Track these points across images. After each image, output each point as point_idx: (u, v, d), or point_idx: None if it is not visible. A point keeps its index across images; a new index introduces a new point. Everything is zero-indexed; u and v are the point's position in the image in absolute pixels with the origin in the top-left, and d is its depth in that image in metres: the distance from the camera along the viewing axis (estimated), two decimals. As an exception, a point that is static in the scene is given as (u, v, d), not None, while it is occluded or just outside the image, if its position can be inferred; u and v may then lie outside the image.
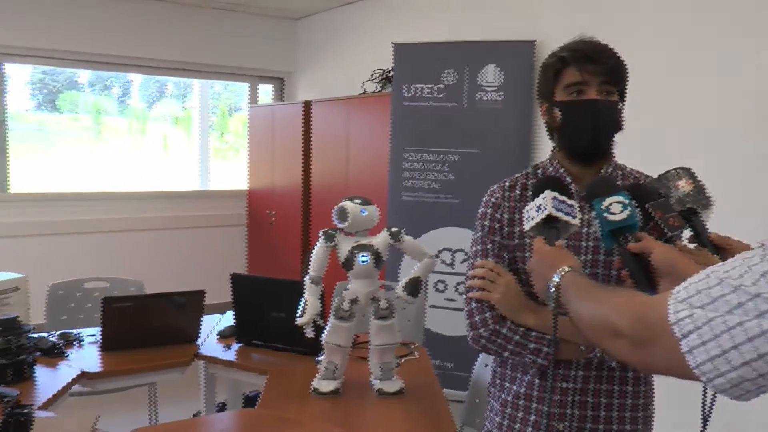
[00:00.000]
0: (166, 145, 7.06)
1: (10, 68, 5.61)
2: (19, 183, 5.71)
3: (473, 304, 1.64)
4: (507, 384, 1.69)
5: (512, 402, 1.66)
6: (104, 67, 6.03)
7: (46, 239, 5.61)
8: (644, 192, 1.48)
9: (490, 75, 4.03)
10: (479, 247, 1.70)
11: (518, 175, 1.75)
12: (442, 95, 4.14)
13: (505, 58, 4.03)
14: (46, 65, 5.95)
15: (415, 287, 2.10)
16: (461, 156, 4.11)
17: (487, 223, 1.70)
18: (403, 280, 2.11)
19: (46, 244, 5.61)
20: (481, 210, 1.72)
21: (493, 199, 1.71)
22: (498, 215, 1.69)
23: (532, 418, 1.62)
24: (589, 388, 1.58)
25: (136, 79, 6.76)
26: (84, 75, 6.45)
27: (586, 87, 1.57)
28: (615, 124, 1.60)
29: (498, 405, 1.70)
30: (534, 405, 1.62)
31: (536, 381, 1.62)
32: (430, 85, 4.17)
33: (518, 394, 1.65)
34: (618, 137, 1.64)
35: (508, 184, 1.73)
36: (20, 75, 6.05)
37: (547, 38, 3.88)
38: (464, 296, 1.69)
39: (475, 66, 4.07)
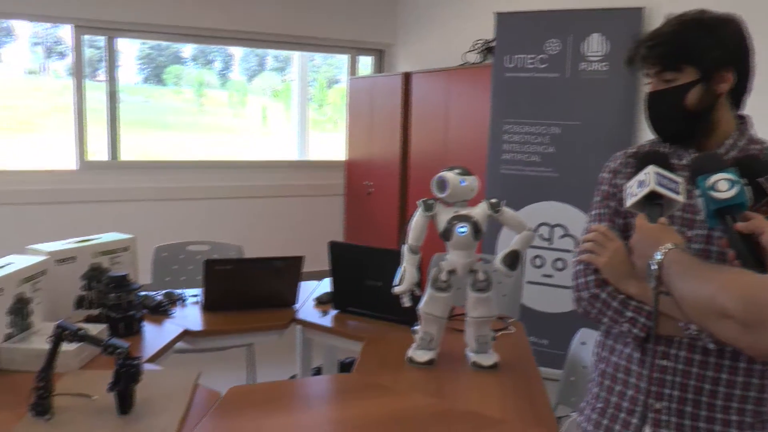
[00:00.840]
0: (265, 117, 7.21)
1: (122, 44, 5.84)
2: (128, 151, 5.97)
3: (580, 267, 1.62)
4: (606, 354, 1.65)
5: (610, 374, 1.62)
6: (207, 41, 6.18)
7: (152, 204, 5.86)
8: (757, 166, 1.38)
9: (595, 44, 3.87)
10: (594, 211, 1.68)
11: (644, 143, 1.72)
12: (544, 66, 4.02)
13: (612, 26, 3.86)
14: (154, 40, 6.16)
15: (514, 260, 2.05)
16: (562, 128, 4.00)
17: (604, 187, 1.67)
18: (502, 252, 2.06)
19: (152, 209, 5.86)
20: (600, 175, 1.70)
21: (613, 165, 1.69)
22: (615, 180, 1.65)
23: (629, 392, 1.58)
24: (692, 372, 1.50)
25: (237, 52, 6.91)
26: (187, 50, 6.66)
27: (651, 78, 1.58)
28: (679, 111, 1.53)
29: (597, 376, 1.67)
30: (632, 380, 1.58)
31: (636, 355, 1.57)
32: (532, 56, 4.05)
33: (617, 366, 1.61)
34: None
35: (631, 151, 1.68)
36: (130, 50, 6.30)
37: (656, 4, 3.68)
38: (573, 260, 1.67)
39: (579, 35, 3.92)
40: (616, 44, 3.82)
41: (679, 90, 1.52)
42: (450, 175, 2.02)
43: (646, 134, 1.70)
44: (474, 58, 5.04)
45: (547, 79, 4.01)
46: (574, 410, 2.56)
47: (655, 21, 1.62)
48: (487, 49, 4.90)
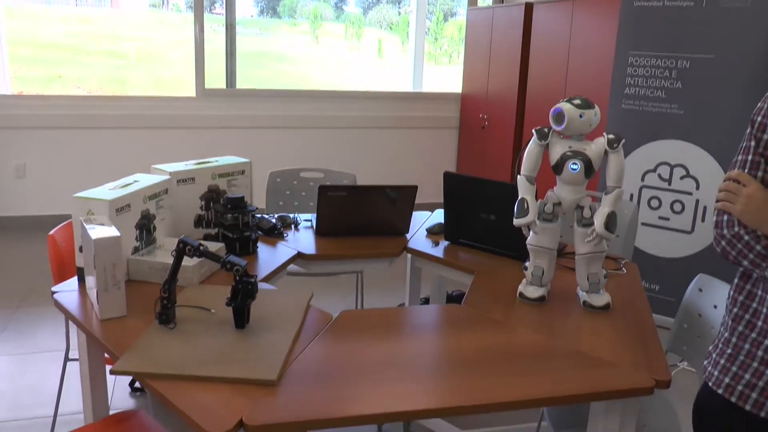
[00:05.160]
0: (381, 50, 7.17)
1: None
2: (244, 81, 6.11)
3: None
4: (743, 299, 1.54)
5: (748, 320, 1.52)
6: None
7: (267, 131, 6.03)
8: None
9: (739, -30, 3.55)
10: (743, 144, 1.53)
11: None
12: (677, -7, 3.75)
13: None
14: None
15: (614, 223, 1.96)
16: (692, 62, 3.75)
17: (758, 119, 1.49)
18: (599, 216, 1.95)
19: (267, 136, 6.02)
20: (758, 105, 1.52)
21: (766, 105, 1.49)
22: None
23: (766, 342, 1.48)
24: None
25: (354, -16, 6.86)
26: (304, -18, 6.66)
27: None
28: None
29: (730, 320, 1.57)
30: None
31: None
32: (665, -17, 3.79)
33: (758, 313, 1.50)
34: None
35: None
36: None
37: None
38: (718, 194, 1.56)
39: (719, -40, 3.61)
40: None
41: None
42: (568, 108, 1.93)
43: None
44: (599, -13, 4.77)
45: (681, 8, 3.75)
46: (683, 359, 2.47)
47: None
48: (615, -22, 4.63)
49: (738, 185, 1.46)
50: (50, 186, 5.68)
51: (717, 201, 1.53)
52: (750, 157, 1.49)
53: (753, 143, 1.49)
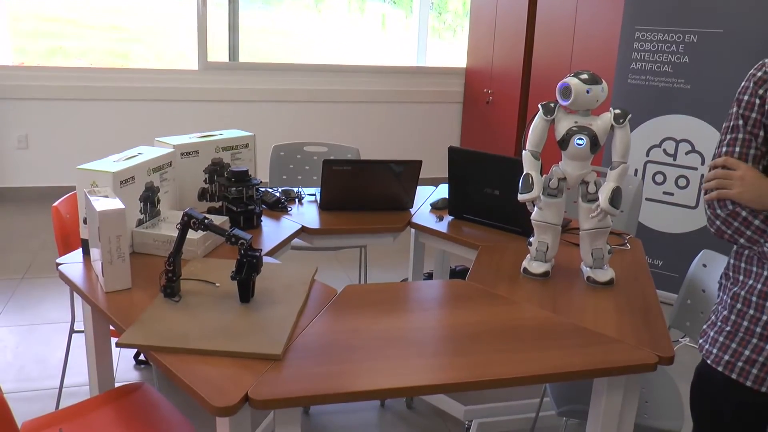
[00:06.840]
0: (384, 24, 7.12)
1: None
2: (247, 53, 6.08)
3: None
4: (741, 278, 1.55)
5: (744, 297, 1.53)
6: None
7: (270, 105, 6.01)
8: None
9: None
10: (730, 123, 1.53)
11: None
12: (686, -34, 3.70)
13: None
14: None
15: (619, 198, 1.95)
16: (699, 36, 3.71)
17: (745, 98, 1.50)
18: (604, 192, 1.94)
19: (270, 110, 6.00)
20: (742, 84, 1.53)
21: (759, 74, 1.49)
22: (761, 91, 1.48)
23: (764, 317, 1.49)
24: None
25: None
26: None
27: None
28: None
29: (728, 298, 1.58)
30: None
31: None
32: (675, -45, 3.74)
33: (753, 289, 1.51)
34: None
35: None
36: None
37: None
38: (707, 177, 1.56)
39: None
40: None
41: None
42: (575, 83, 1.91)
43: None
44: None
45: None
46: (685, 335, 2.47)
47: None
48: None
49: (726, 171, 1.48)
50: (53, 157, 5.68)
51: (706, 192, 1.54)
52: (740, 136, 1.50)
53: (741, 122, 1.50)
